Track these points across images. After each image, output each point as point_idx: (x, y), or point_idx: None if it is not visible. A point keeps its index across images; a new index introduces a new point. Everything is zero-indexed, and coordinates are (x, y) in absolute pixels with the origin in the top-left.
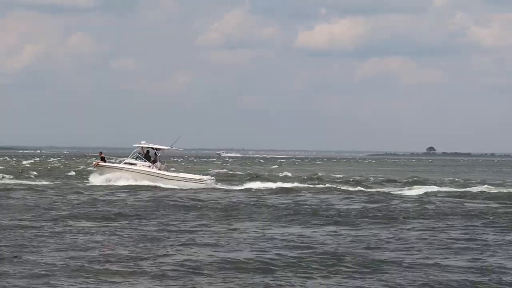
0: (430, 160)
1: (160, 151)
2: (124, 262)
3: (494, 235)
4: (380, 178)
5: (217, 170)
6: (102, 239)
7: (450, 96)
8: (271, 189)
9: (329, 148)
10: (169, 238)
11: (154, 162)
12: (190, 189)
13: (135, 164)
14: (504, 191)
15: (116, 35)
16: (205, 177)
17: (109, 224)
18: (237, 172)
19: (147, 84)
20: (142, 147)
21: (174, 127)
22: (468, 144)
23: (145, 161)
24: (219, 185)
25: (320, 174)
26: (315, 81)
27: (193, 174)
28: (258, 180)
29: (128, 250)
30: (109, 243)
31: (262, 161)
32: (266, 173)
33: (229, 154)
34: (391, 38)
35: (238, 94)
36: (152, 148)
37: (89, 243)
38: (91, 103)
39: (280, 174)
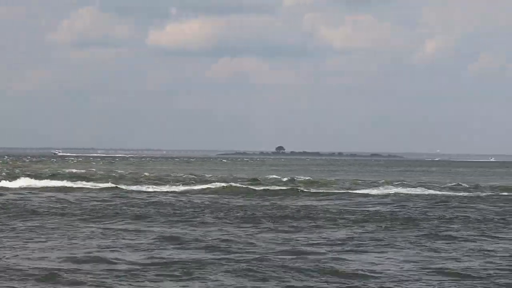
0: (283, 159)
1: None
2: None
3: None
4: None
5: (75, 171)
6: None
7: (301, 96)
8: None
9: (181, 147)
10: None
11: None
12: None
13: None
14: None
15: None
16: None
17: None
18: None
19: None
20: None
21: (25, 127)
22: (316, 143)
23: None
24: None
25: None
26: (168, 81)
27: None
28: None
29: None
30: None
31: (112, 160)
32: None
33: (64, 154)
34: (243, 38)
35: (92, 94)
36: None
37: None
38: None
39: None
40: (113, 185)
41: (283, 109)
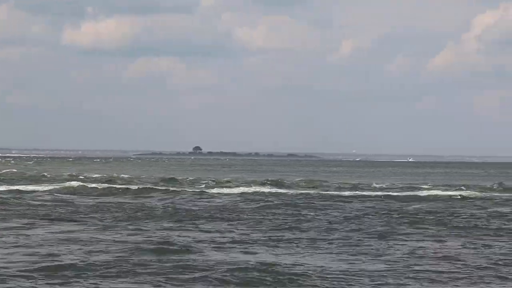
0: (201, 159)
1: None
2: None
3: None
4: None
5: None
6: None
7: (218, 96)
8: None
9: (97, 147)
10: None
11: None
12: None
13: None
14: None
15: None
16: None
17: None
18: None
19: None
20: None
21: None
22: (234, 143)
23: None
24: None
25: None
26: (83, 80)
27: None
28: None
29: None
30: None
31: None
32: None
33: None
34: (161, 38)
35: (5, 93)
36: None
37: None
38: None
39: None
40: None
41: (201, 109)
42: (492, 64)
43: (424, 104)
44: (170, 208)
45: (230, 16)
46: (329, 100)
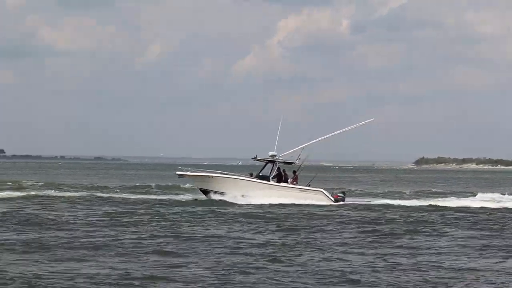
0: (7, 163)
1: None
2: None
3: None
4: None
5: None
6: None
7: (19, 97)
8: None
9: None
10: None
11: None
12: None
13: None
14: None
15: None
16: None
17: None
18: None
19: None
20: None
21: None
22: (38, 147)
23: None
24: None
25: None
26: None
27: None
28: None
29: None
30: None
31: None
32: None
33: None
34: None
35: None
36: None
37: None
38: None
39: None
40: None
41: (2, 110)
42: (294, 69)
43: (229, 109)
44: None
45: (34, 17)
46: (133, 105)
